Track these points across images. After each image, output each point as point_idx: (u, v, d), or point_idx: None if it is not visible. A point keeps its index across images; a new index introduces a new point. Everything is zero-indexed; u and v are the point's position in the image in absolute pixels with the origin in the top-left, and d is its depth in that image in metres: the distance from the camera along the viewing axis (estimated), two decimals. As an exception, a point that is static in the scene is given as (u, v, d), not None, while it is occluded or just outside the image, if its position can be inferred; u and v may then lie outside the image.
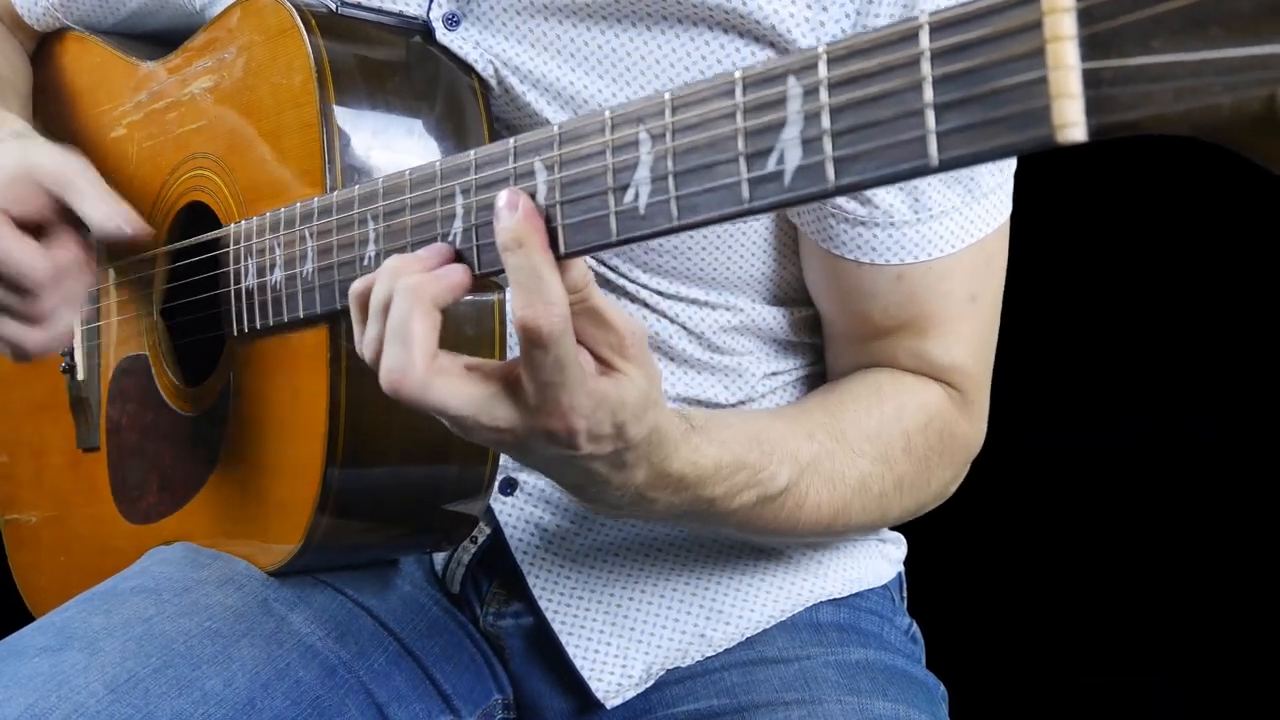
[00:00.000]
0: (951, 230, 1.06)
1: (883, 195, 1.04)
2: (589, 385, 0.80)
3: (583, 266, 0.79)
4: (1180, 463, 2.08)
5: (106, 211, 1.12)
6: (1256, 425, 2.05)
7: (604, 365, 0.81)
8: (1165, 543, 2.10)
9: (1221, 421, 2.07)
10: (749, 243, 1.11)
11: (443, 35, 1.08)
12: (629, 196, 0.74)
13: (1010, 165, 1.10)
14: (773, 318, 1.15)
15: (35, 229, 1.13)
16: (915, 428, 1.08)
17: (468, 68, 1.08)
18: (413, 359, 0.79)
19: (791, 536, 1.13)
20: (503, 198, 0.78)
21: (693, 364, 1.14)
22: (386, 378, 0.80)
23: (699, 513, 0.96)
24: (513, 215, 0.77)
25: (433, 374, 0.79)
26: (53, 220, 1.14)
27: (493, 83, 1.08)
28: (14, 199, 1.12)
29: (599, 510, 0.94)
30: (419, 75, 1.07)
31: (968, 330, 1.11)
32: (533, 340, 0.77)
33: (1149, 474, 2.09)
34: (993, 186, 1.08)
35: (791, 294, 1.16)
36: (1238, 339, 2.05)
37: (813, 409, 1.08)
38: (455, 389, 0.80)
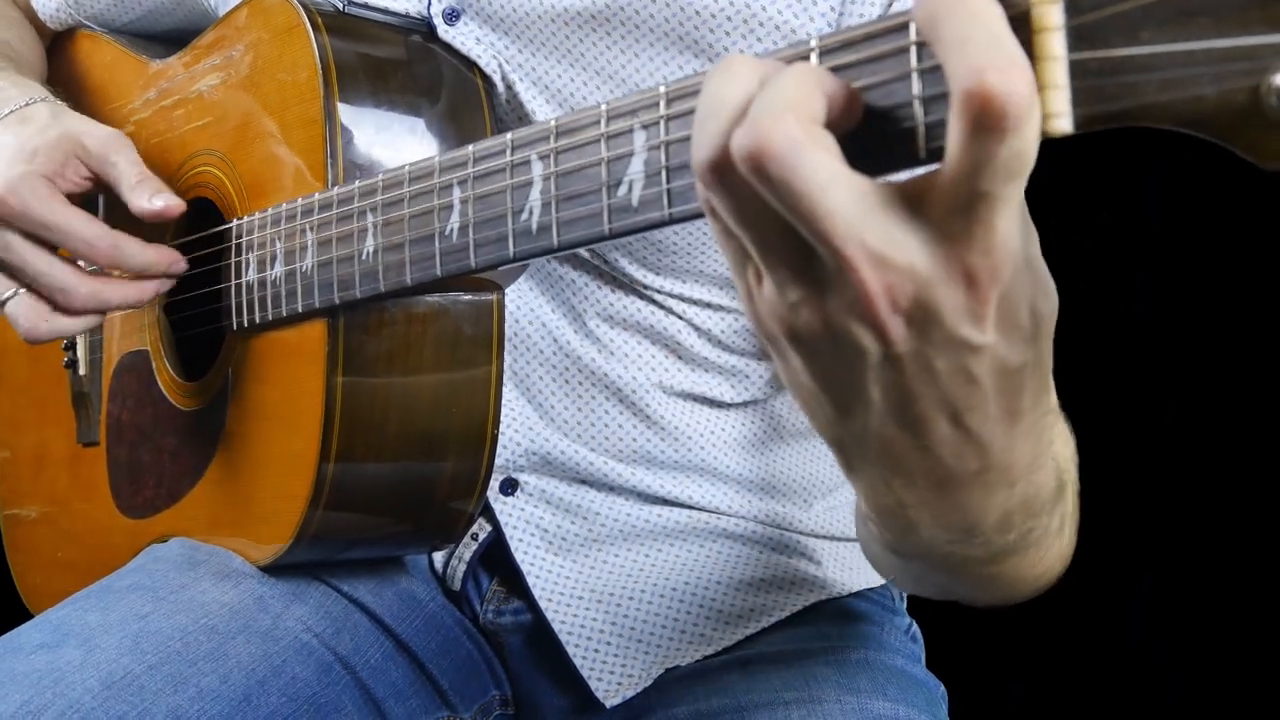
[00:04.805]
0: None
1: None
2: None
3: None
4: (1187, 461, 2.06)
5: (147, 195, 1.11)
6: (1255, 422, 2.04)
7: None
8: (1171, 542, 2.08)
9: (1214, 415, 2.06)
10: None
11: (444, 31, 1.08)
12: (622, 190, 0.74)
13: None
14: None
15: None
16: None
17: (471, 65, 1.08)
18: (788, 106, 0.57)
19: (1022, 579, 0.84)
20: None
21: (700, 363, 1.14)
22: (751, 129, 0.57)
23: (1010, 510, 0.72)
24: None
25: (815, 139, 0.56)
26: (90, 192, 1.14)
27: (496, 79, 1.08)
28: (58, 171, 1.12)
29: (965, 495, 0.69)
30: (423, 74, 1.08)
31: None
32: (986, 117, 0.53)
33: (1151, 472, 2.08)
34: None
35: None
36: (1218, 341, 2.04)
37: None
38: (837, 171, 0.56)
